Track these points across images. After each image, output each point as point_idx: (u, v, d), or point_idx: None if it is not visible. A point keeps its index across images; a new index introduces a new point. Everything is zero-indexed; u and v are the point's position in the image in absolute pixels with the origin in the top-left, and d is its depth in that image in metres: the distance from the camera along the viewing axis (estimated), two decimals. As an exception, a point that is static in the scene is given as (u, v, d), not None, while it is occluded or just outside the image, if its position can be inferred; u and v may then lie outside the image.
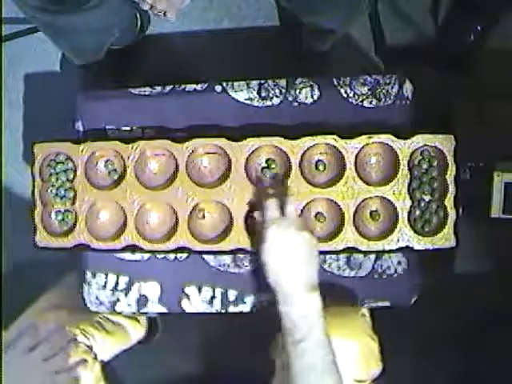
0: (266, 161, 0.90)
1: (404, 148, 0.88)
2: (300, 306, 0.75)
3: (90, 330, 0.98)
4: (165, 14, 0.87)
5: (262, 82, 0.95)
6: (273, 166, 0.90)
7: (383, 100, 0.93)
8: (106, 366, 1.01)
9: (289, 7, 1.10)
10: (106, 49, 1.19)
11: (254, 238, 0.86)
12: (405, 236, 0.88)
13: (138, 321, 1.20)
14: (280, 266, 0.77)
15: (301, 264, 0.78)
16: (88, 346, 0.96)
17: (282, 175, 0.90)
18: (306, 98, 0.94)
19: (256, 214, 0.85)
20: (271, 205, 0.82)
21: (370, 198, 0.88)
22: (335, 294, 0.92)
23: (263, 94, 0.94)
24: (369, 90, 0.93)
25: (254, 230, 0.86)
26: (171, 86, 0.95)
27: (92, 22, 0.99)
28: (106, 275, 0.96)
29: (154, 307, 0.96)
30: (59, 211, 0.93)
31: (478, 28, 1.31)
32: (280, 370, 0.88)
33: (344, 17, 1.07)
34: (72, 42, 1.12)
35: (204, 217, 0.91)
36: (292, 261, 0.77)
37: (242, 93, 0.94)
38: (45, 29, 1.09)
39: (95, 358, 0.97)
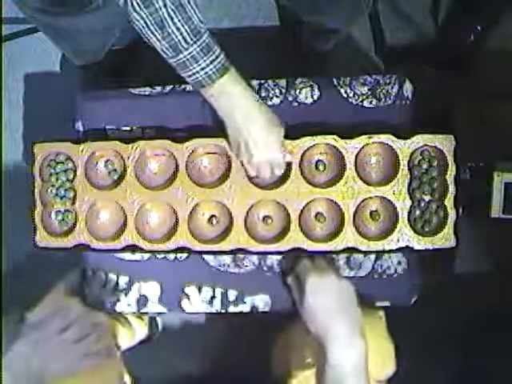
0: None
1: (404, 148, 0.88)
2: (347, 352, 0.75)
3: (113, 319, 0.98)
4: None
5: (262, 82, 0.95)
6: None
7: (383, 100, 0.93)
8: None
9: (289, 6, 1.09)
10: (106, 49, 1.19)
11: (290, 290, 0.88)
12: (405, 236, 0.88)
13: (142, 319, 1.20)
14: (325, 312, 0.78)
15: (346, 309, 0.79)
16: (113, 334, 0.96)
17: (281, 175, 0.90)
18: (306, 98, 0.94)
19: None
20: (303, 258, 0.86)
21: (370, 197, 0.88)
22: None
23: (263, 94, 0.94)
24: (369, 90, 0.93)
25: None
26: (171, 86, 0.95)
27: (93, 24, 0.98)
28: (106, 275, 0.96)
29: (154, 307, 0.96)
30: (59, 211, 0.93)
31: (478, 28, 1.31)
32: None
33: (346, 16, 1.07)
34: (73, 43, 1.12)
35: (214, 223, 0.91)
36: (337, 306, 0.78)
37: (242, 93, 0.94)
38: (46, 30, 1.09)
39: (118, 347, 0.97)
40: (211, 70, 0.74)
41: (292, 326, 0.94)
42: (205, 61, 0.73)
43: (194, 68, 0.74)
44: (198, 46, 0.72)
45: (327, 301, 0.79)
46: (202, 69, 0.74)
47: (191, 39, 0.72)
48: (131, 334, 1.12)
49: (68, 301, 0.91)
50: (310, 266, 0.85)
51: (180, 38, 0.71)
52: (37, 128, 1.42)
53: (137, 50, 1.36)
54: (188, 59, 0.73)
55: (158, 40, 0.72)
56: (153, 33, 0.71)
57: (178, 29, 0.71)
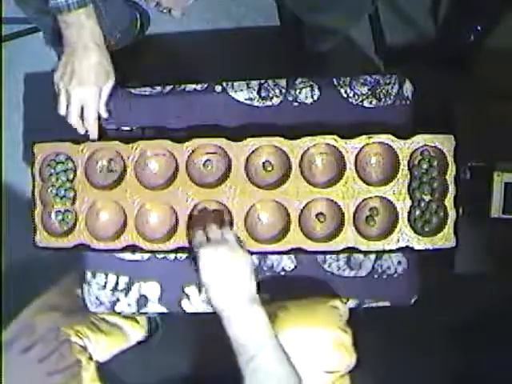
0: (263, 163, 0.90)
1: (404, 148, 0.88)
2: (245, 324, 0.74)
3: (85, 330, 0.97)
4: (170, 12, 0.88)
5: (262, 81, 0.95)
6: (269, 168, 0.91)
7: (383, 100, 0.93)
8: (103, 366, 1.00)
9: (290, 5, 1.10)
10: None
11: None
12: (405, 236, 0.88)
13: (137, 321, 1.20)
14: (217, 285, 0.77)
15: (235, 279, 0.77)
16: (82, 347, 0.95)
17: (281, 175, 0.90)
18: (306, 97, 0.94)
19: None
20: (198, 232, 0.83)
21: (370, 197, 0.88)
22: (335, 294, 0.92)
23: (263, 94, 0.94)
24: (369, 90, 0.93)
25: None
26: (171, 86, 0.95)
27: None
28: (106, 275, 0.96)
29: (154, 307, 0.96)
30: (59, 211, 0.93)
31: (478, 28, 1.31)
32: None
33: (346, 16, 1.07)
34: None
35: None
36: (227, 279, 0.77)
37: (242, 93, 0.94)
38: (46, 30, 1.09)
39: (90, 358, 0.97)
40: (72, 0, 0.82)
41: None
42: None
43: None
44: None
45: (218, 274, 0.77)
46: None
47: None
48: (119, 340, 1.11)
49: (37, 318, 0.91)
50: (203, 240, 0.82)
51: None
52: (37, 128, 1.42)
53: (137, 50, 1.37)
54: None
55: None
56: None
57: None
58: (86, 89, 0.88)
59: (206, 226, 0.84)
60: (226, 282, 0.77)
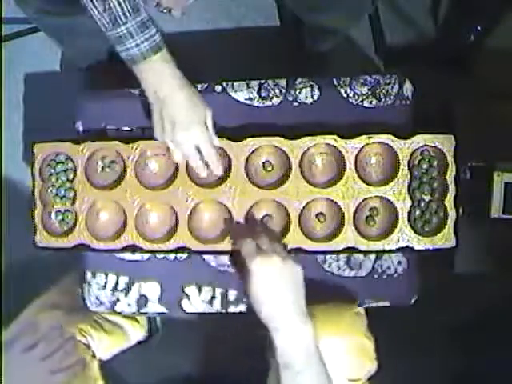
0: (263, 163, 0.91)
1: (404, 148, 0.88)
2: (294, 337, 0.72)
3: (88, 329, 0.98)
4: (170, 12, 0.88)
5: (262, 81, 0.95)
6: (269, 168, 0.91)
7: (383, 100, 0.93)
8: (104, 365, 1.01)
9: (290, 5, 1.10)
10: (108, 50, 1.19)
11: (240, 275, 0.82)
12: (405, 236, 0.88)
13: (138, 321, 1.20)
14: (267, 297, 0.75)
15: (287, 291, 0.75)
16: (86, 345, 0.96)
17: (281, 175, 0.90)
18: (306, 97, 0.94)
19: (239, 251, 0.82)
20: (249, 242, 0.80)
21: (370, 197, 0.88)
22: (335, 293, 0.92)
23: (263, 94, 0.94)
24: (369, 90, 0.93)
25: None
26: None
27: (95, 25, 0.99)
28: (106, 275, 0.96)
29: (154, 307, 0.96)
30: (59, 211, 0.93)
31: (478, 28, 1.31)
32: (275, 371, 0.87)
33: (346, 16, 1.07)
34: (76, 44, 1.12)
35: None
36: (279, 289, 0.75)
37: (242, 93, 0.94)
38: (47, 31, 1.09)
39: (93, 356, 0.97)
40: (145, 47, 0.78)
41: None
42: (140, 38, 0.77)
43: (130, 43, 0.77)
44: (136, 23, 0.76)
45: (269, 286, 0.75)
46: (137, 45, 0.77)
47: (130, 15, 0.75)
48: (120, 339, 1.11)
49: (39, 316, 0.91)
50: (254, 250, 0.79)
51: (120, 12, 0.75)
52: (37, 128, 1.42)
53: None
54: (125, 34, 0.76)
55: (99, 12, 0.75)
56: (95, 5, 0.75)
57: (119, 3, 0.74)
58: (194, 133, 0.84)
59: (256, 236, 0.81)
60: (276, 295, 0.75)
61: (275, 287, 0.75)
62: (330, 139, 0.88)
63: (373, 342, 0.87)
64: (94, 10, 0.75)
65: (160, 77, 0.81)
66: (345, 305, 0.90)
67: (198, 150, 0.86)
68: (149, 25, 0.77)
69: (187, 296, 0.95)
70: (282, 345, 0.72)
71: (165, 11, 0.87)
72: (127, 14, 0.75)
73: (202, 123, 0.85)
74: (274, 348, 0.72)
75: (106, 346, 1.02)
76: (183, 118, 0.83)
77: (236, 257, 0.84)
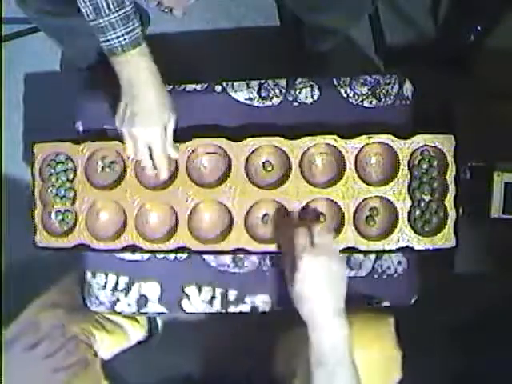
0: (263, 163, 0.91)
1: (404, 148, 0.88)
2: (330, 334, 0.73)
3: (90, 328, 0.98)
4: (171, 11, 0.88)
5: (262, 81, 0.95)
6: (269, 168, 0.91)
7: (383, 100, 0.93)
8: (104, 365, 1.01)
9: (290, 5, 1.10)
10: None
11: (284, 265, 0.83)
12: (405, 236, 0.88)
13: (138, 321, 1.20)
14: (313, 293, 0.75)
15: (331, 290, 0.76)
16: (88, 344, 0.96)
17: (281, 175, 0.90)
18: (306, 97, 0.94)
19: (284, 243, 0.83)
20: (302, 233, 0.80)
21: (370, 197, 0.88)
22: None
23: (263, 94, 0.94)
24: (369, 90, 0.93)
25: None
26: (171, 86, 0.95)
27: None
28: (106, 275, 0.96)
29: (154, 307, 0.96)
30: (59, 211, 0.93)
31: (478, 28, 1.31)
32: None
33: (346, 16, 1.07)
34: (76, 44, 1.12)
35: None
36: (324, 287, 0.76)
37: (242, 93, 0.94)
38: (48, 31, 1.09)
39: (95, 355, 0.97)
40: (125, 40, 0.78)
41: (296, 324, 0.93)
42: (121, 30, 0.77)
43: (110, 35, 0.78)
44: (119, 16, 0.77)
45: (316, 282, 0.76)
46: (117, 37, 0.78)
47: (114, 7, 0.76)
48: (121, 339, 1.11)
49: (41, 316, 0.92)
50: (307, 244, 0.79)
51: (104, 3, 0.75)
52: (37, 128, 1.42)
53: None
54: (106, 25, 0.77)
55: (83, 1, 0.76)
56: None
57: None
58: (150, 130, 0.85)
59: (310, 227, 0.81)
60: (321, 293, 0.75)
61: (321, 286, 0.76)
62: (330, 139, 0.88)
63: (400, 351, 0.87)
64: None
65: (136, 70, 0.82)
66: (380, 315, 0.90)
67: (150, 149, 0.87)
68: (131, 18, 0.78)
69: (187, 296, 0.95)
70: (318, 339, 0.73)
71: (166, 10, 0.87)
72: (111, 7, 0.76)
73: (162, 126, 0.85)
74: (309, 344, 0.73)
75: (107, 345, 1.02)
76: (145, 115, 0.84)
77: (284, 254, 0.85)
